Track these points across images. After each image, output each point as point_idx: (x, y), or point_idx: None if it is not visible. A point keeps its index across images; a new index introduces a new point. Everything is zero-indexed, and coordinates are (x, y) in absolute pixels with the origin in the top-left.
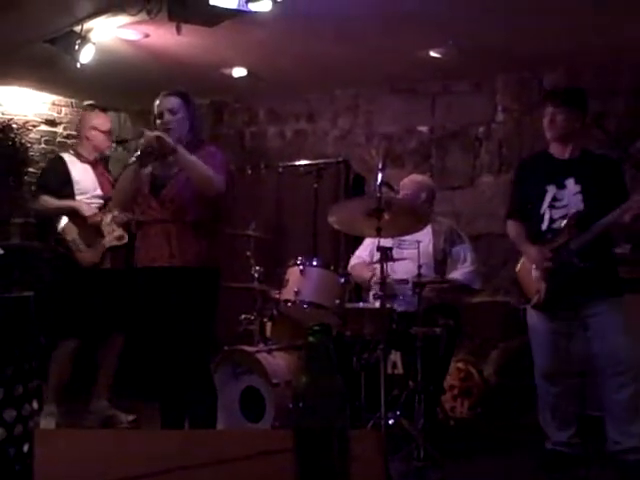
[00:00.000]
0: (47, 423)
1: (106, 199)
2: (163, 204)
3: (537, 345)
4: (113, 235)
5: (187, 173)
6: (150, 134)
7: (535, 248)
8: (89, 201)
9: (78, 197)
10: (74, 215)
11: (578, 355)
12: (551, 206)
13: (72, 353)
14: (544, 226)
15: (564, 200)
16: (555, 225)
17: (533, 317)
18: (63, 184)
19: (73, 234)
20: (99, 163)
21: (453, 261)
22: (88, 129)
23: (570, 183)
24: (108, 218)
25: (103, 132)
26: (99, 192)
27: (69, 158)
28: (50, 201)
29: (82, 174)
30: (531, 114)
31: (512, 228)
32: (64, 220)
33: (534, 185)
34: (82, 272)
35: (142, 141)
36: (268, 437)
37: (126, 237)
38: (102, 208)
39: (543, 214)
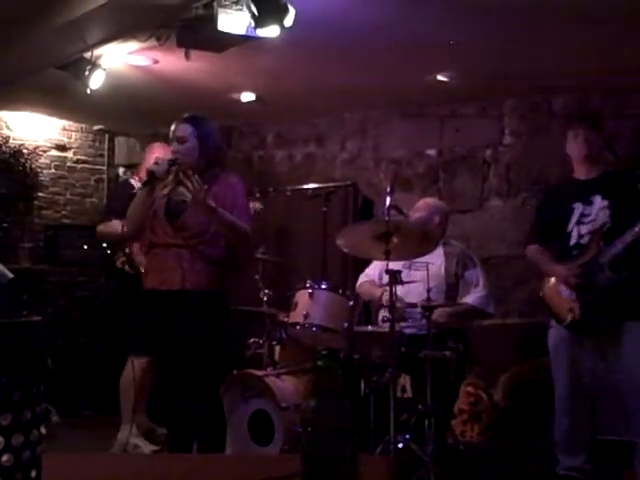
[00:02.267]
0: (145, 443)
1: None
2: (178, 231)
3: (563, 366)
4: None
5: (221, 230)
6: (198, 191)
7: (562, 266)
8: None
9: None
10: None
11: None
12: (579, 222)
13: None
14: (572, 242)
15: (591, 215)
16: (582, 241)
17: (562, 337)
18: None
19: (142, 257)
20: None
21: (466, 285)
22: (151, 159)
23: (597, 199)
24: None
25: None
26: None
27: (135, 184)
28: (114, 225)
29: None
30: (539, 137)
31: (533, 251)
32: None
33: (560, 206)
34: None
35: (191, 188)
36: (276, 462)
37: None
38: None
39: (570, 231)
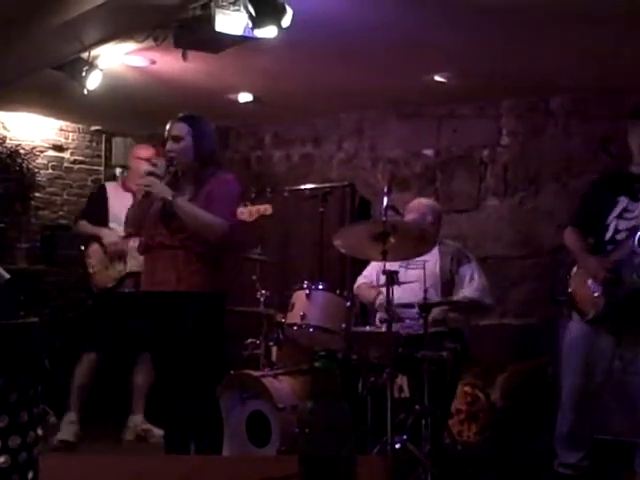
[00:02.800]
0: (68, 430)
1: None
2: (173, 234)
3: (577, 361)
4: (136, 261)
5: (185, 221)
6: (156, 190)
7: (595, 259)
8: (120, 228)
9: (111, 224)
10: (100, 241)
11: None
12: (619, 216)
13: (92, 366)
14: (607, 235)
15: (635, 212)
16: (618, 236)
17: (582, 333)
18: (99, 212)
19: (95, 258)
20: None
21: (460, 280)
22: (133, 160)
23: None
24: (134, 245)
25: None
26: None
27: (112, 187)
28: (85, 226)
29: (119, 203)
30: (536, 137)
31: (572, 236)
32: (94, 244)
33: (605, 197)
34: (96, 293)
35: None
36: (274, 463)
37: None
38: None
39: (608, 225)
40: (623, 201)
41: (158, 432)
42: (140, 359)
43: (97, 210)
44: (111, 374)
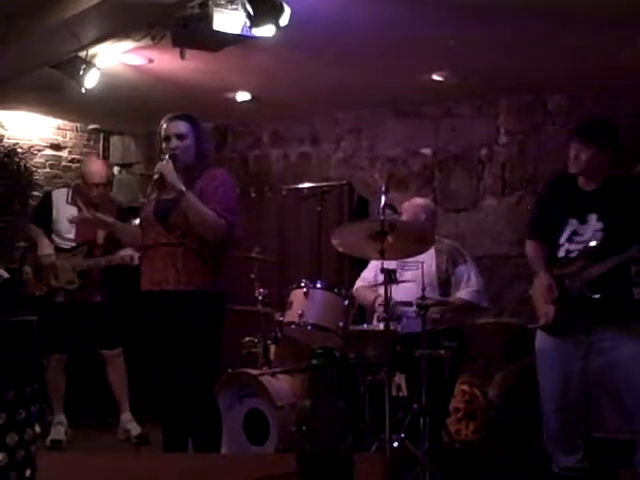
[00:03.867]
0: (58, 431)
1: (79, 244)
2: (171, 231)
3: (545, 367)
4: (64, 278)
5: (189, 217)
6: (171, 178)
7: (547, 274)
8: (60, 241)
9: (53, 235)
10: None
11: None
12: (569, 239)
13: (59, 366)
14: (560, 254)
15: (585, 235)
16: (571, 255)
17: (542, 339)
18: (44, 219)
19: (30, 264)
20: (93, 206)
21: (457, 281)
22: (80, 178)
23: (592, 219)
24: (67, 263)
25: (89, 184)
26: (71, 236)
27: (59, 196)
28: (37, 232)
29: (62, 215)
30: (534, 136)
31: (532, 248)
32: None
33: (556, 213)
34: (28, 299)
35: (155, 177)
36: (272, 461)
37: (76, 283)
38: (70, 251)
39: (561, 245)
40: (573, 223)
41: (135, 427)
42: (107, 358)
43: (41, 218)
44: (96, 374)
